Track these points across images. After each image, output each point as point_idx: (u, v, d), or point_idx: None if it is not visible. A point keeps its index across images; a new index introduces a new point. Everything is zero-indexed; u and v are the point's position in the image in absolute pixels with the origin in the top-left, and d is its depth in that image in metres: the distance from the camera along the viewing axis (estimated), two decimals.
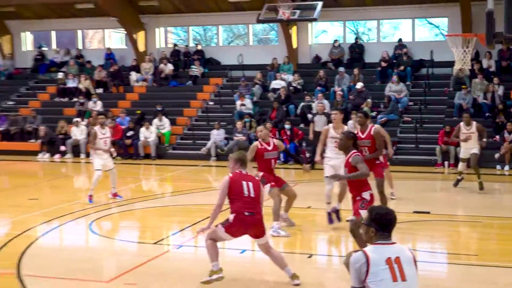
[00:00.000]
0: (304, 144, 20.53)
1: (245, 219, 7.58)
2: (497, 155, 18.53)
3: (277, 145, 10.97)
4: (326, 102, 21.59)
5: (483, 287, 8.15)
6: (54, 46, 29.27)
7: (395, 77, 22.22)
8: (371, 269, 4.26)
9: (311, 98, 21.98)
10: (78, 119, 22.57)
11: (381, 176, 11.17)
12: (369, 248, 4.44)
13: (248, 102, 22.52)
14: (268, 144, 10.89)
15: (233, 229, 7.61)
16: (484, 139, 13.93)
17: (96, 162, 13.58)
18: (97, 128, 13.81)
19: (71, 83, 25.87)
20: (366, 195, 7.87)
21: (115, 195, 13.79)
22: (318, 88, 22.67)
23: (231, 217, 7.61)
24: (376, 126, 11.79)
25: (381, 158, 11.50)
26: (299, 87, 23.51)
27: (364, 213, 6.85)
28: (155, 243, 10.41)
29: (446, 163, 18.80)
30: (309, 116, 21.10)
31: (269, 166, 10.85)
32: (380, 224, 4.47)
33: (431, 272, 9.14)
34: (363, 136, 10.96)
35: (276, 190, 10.72)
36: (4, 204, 14.36)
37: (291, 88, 23.39)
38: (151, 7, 26.63)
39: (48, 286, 8.09)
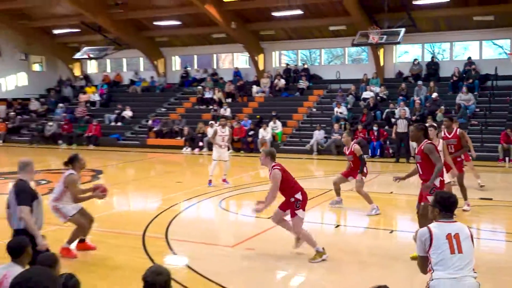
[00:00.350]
0: (388, 142, 20.25)
1: (306, 193, 7.78)
2: None
3: (353, 150, 10.79)
4: (406, 109, 21.15)
5: None
6: (195, 66, 30.07)
7: (464, 88, 21.51)
8: (433, 242, 4.35)
9: (394, 106, 21.62)
10: (212, 122, 23.09)
11: (461, 171, 10.74)
12: (433, 225, 4.50)
13: (343, 109, 22.40)
14: (347, 148, 10.97)
15: (304, 203, 7.69)
16: None
17: (214, 154, 14.03)
18: (218, 127, 14.28)
19: (207, 94, 26.53)
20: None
21: (224, 180, 13.98)
22: (400, 97, 22.24)
23: (298, 195, 7.66)
24: (460, 129, 11.44)
25: (462, 155, 11.11)
26: (384, 97, 23.15)
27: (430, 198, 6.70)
28: (268, 218, 10.60)
29: (507, 159, 18.02)
30: (393, 120, 20.79)
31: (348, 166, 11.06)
32: (444, 206, 4.53)
33: (493, 248, 8.91)
34: (450, 136, 10.81)
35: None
36: (157, 185, 15.01)
37: (378, 97, 23.07)
38: (269, 35, 26.92)
39: (187, 248, 8.40)
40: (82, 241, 8.23)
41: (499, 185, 14.88)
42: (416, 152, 7.78)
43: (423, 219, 6.87)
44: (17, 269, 4.24)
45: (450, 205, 4.58)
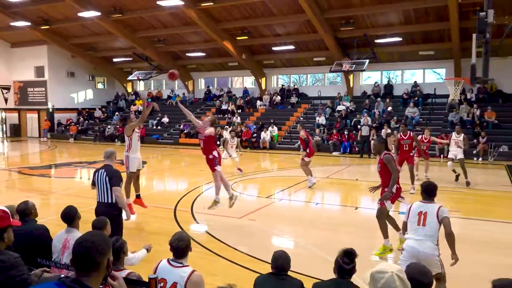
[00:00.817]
0: (354, 142, 20.10)
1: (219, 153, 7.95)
2: (474, 152, 17.43)
3: (300, 136, 11.74)
4: (369, 118, 20.99)
5: (467, 232, 7.74)
6: (215, 86, 30.01)
7: (411, 104, 21.31)
8: (410, 215, 4.63)
9: (360, 116, 21.43)
10: (227, 126, 23.15)
11: (412, 163, 11.12)
12: (415, 203, 4.70)
13: (323, 118, 22.28)
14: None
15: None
16: (466, 146, 12.65)
17: (224, 154, 13.94)
18: (229, 137, 14.65)
19: (224, 106, 26.51)
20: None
21: (239, 169, 13.89)
22: (364, 110, 22.05)
23: (215, 153, 7.78)
24: (413, 133, 11.80)
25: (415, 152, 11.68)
26: (353, 109, 22.96)
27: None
28: (267, 197, 10.56)
29: (442, 156, 17.90)
30: (358, 126, 20.63)
31: None
32: (424, 191, 4.69)
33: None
34: (405, 138, 11.13)
35: None
36: (185, 173, 15.02)
37: (348, 110, 22.88)
38: (270, 64, 26.82)
39: (207, 218, 8.32)
40: (138, 196, 8.52)
41: (437, 174, 14.74)
42: (377, 162, 6.71)
43: (380, 220, 6.38)
44: (75, 232, 4.15)
45: (426, 190, 4.67)
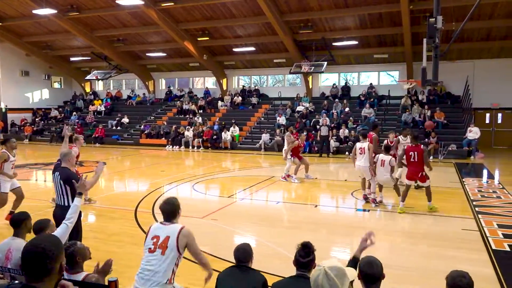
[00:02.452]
0: (314, 142, 20.40)
1: None
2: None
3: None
4: (327, 119, 21.38)
5: (419, 226, 8.03)
6: (176, 86, 29.61)
7: (367, 105, 21.86)
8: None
9: (319, 116, 21.78)
10: (188, 127, 22.93)
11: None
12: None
13: (283, 118, 22.48)
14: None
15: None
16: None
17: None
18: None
19: (185, 107, 26.20)
20: None
21: None
22: (323, 110, 22.46)
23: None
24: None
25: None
26: (312, 110, 23.32)
27: None
28: (229, 196, 10.53)
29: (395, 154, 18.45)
30: (317, 126, 20.98)
31: None
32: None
33: (385, 216, 9.02)
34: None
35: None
36: (146, 173, 14.70)
37: (307, 110, 23.20)
38: (231, 65, 26.80)
39: None
40: (11, 213, 7.51)
41: None
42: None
43: None
44: (19, 241, 3.74)
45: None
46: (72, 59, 29.09)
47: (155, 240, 3.67)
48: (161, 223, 3.85)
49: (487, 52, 21.10)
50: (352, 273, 2.46)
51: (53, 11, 21.01)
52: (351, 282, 2.38)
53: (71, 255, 3.30)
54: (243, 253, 3.51)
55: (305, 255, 3.10)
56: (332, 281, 2.24)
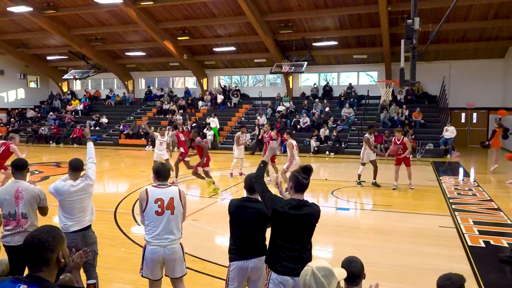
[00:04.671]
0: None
1: None
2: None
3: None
4: (307, 119, 21.56)
5: (397, 224, 8.17)
6: (156, 86, 29.33)
7: (347, 105, 22.13)
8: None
9: (299, 116, 21.94)
10: (169, 126, 22.69)
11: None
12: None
13: (264, 118, 22.49)
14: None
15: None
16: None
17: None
18: (239, 134, 14.24)
19: (165, 107, 25.98)
20: None
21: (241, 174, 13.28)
22: (303, 110, 22.61)
23: None
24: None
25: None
26: (292, 110, 23.46)
27: None
28: (209, 197, 10.50)
29: (375, 153, 18.65)
30: (298, 126, 21.13)
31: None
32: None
33: (365, 215, 9.14)
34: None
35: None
36: (126, 173, 14.56)
37: (288, 110, 23.33)
38: (211, 64, 26.70)
39: None
40: None
41: (369, 172, 15.38)
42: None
43: None
44: (23, 182, 4.42)
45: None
46: (48, 58, 28.50)
47: (159, 203, 3.99)
48: (156, 186, 4.11)
49: (463, 53, 21.60)
50: (341, 273, 2.50)
51: (29, 9, 20.53)
52: (339, 282, 2.43)
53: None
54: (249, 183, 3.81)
55: (306, 177, 3.33)
56: (318, 280, 2.31)
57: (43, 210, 4.58)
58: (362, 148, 12.00)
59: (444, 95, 21.17)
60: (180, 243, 4.19)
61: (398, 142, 11.34)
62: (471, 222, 7.96)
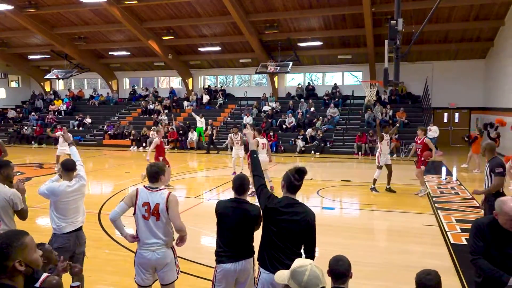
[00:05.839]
0: (280, 141, 20.52)
1: None
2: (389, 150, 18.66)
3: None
4: (293, 118, 21.63)
5: (382, 223, 8.25)
6: (141, 86, 29.09)
7: (332, 105, 22.29)
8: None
9: (285, 116, 22.01)
10: (154, 127, 22.54)
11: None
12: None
13: (250, 118, 22.48)
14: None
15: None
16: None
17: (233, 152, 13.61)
18: (232, 134, 13.87)
19: (150, 107, 25.79)
20: None
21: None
22: (289, 110, 22.68)
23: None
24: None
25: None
26: (278, 110, 23.52)
27: None
28: (195, 197, 10.45)
29: (360, 153, 18.91)
30: (284, 126, 21.19)
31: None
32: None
33: (350, 214, 9.24)
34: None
35: None
36: (110, 174, 14.42)
37: (274, 110, 23.38)
38: (196, 64, 26.59)
39: (133, 221, 8.05)
40: None
41: (354, 171, 15.59)
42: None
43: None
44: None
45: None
46: (30, 57, 28.03)
47: (146, 207, 3.90)
48: (147, 187, 3.99)
49: (445, 54, 21.94)
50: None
51: (10, 7, 20.15)
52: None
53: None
54: (241, 183, 3.77)
55: (299, 179, 3.32)
56: (322, 271, 2.46)
57: (21, 214, 4.23)
58: (378, 151, 11.15)
59: (427, 95, 21.47)
60: (172, 247, 4.06)
61: (419, 142, 10.55)
62: (454, 220, 8.09)
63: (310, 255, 3.29)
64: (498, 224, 3.19)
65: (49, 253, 3.34)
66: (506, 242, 3.14)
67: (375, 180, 10.87)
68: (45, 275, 3.18)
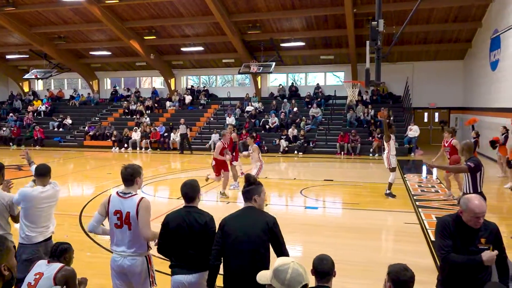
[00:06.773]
0: (263, 142, 20.52)
1: None
2: (371, 149, 18.86)
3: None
4: (276, 119, 21.69)
5: (364, 222, 8.33)
6: (122, 86, 28.78)
7: (315, 105, 22.43)
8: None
9: (268, 116, 22.04)
10: (136, 128, 22.35)
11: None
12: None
13: (232, 118, 22.48)
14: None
15: None
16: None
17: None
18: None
19: (132, 107, 25.53)
20: None
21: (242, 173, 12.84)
22: (272, 110, 22.74)
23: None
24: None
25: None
26: (261, 110, 23.55)
27: None
28: (178, 198, 10.34)
29: (342, 153, 19.06)
30: (267, 126, 21.22)
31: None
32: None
33: (333, 213, 9.30)
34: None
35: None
36: (91, 176, 14.19)
37: (257, 110, 23.40)
38: (179, 64, 26.44)
39: None
40: None
41: (337, 171, 15.70)
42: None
43: None
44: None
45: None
46: (8, 57, 27.43)
47: (118, 215, 3.69)
48: (118, 194, 3.74)
49: (425, 55, 22.32)
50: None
51: None
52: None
53: (63, 250, 3.54)
54: (191, 188, 3.72)
55: (248, 185, 3.44)
56: (305, 269, 2.49)
57: (15, 218, 4.32)
58: (385, 152, 10.14)
59: (407, 95, 21.80)
60: (147, 256, 3.81)
61: (446, 145, 9.91)
62: (434, 218, 8.22)
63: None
64: (462, 221, 3.19)
65: (71, 254, 3.72)
66: (470, 240, 3.16)
67: (390, 185, 10.04)
68: (61, 264, 3.40)
